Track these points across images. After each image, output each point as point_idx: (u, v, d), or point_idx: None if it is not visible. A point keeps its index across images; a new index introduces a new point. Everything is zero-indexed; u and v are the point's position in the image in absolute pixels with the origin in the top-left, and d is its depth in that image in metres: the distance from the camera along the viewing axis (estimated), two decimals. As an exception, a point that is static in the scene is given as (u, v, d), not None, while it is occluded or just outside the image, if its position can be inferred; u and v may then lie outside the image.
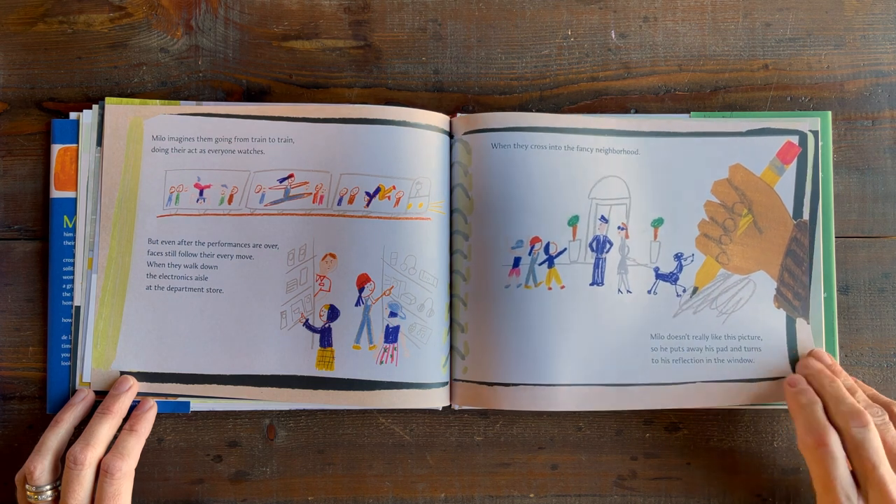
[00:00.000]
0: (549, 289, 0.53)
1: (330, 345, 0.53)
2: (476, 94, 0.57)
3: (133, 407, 0.53)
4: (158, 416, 0.54)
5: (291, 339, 0.53)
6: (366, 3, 0.57)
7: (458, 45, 0.57)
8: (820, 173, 0.55)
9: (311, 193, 0.54)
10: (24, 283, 0.55)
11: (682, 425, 0.56)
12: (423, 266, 0.53)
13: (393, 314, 0.53)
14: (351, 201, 0.53)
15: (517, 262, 0.53)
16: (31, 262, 0.55)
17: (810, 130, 0.55)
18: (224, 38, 0.57)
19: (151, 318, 0.54)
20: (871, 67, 0.58)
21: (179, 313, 0.54)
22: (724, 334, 0.54)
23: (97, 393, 0.53)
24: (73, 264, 0.54)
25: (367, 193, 0.53)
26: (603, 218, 0.54)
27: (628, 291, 0.54)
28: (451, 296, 0.55)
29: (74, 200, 0.54)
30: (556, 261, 0.53)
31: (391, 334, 0.53)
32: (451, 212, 0.55)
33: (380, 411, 0.56)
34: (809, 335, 0.54)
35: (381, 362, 0.53)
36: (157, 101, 0.55)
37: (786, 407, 0.55)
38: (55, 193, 0.54)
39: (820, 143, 0.55)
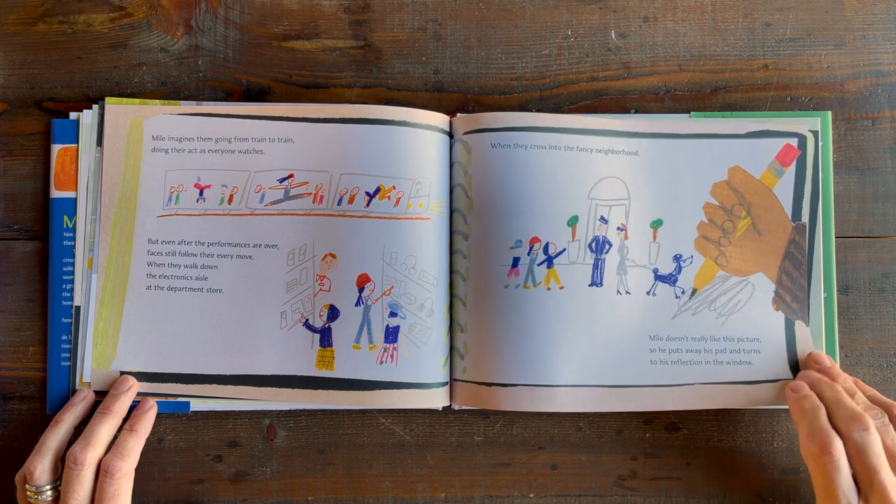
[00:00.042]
0: (548, 289, 0.53)
1: (330, 345, 0.53)
2: (476, 94, 0.57)
3: (133, 407, 0.53)
4: (158, 416, 0.54)
5: (291, 339, 0.53)
6: (366, 3, 0.57)
7: (458, 45, 0.57)
8: (820, 173, 0.55)
9: (311, 193, 0.54)
10: (24, 283, 0.55)
11: (682, 425, 0.56)
12: (423, 266, 0.53)
13: (393, 314, 0.53)
14: (351, 201, 0.53)
15: (516, 262, 0.53)
16: (31, 262, 0.55)
17: (810, 131, 0.55)
18: (224, 38, 0.57)
19: (151, 318, 0.54)
20: (871, 67, 0.57)
21: (179, 313, 0.54)
22: (722, 336, 0.54)
23: (97, 393, 0.53)
24: (73, 264, 0.54)
25: (367, 193, 0.53)
26: (602, 218, 0.54)
27: (627, 292, 0.54)
28: (451, 296, 0.55)
29: (74, 200, 0.54)
30: (555, 261, 0.53)
31: (391, 334, 0.53)
32: (451, 212, 0.55)
33: (380, 411, 0.56)
34: (808, 338, 0.54)
35: (381, 362, 0.53)
36: (157, 101, 0.55)
37: (786, 407, 0.55)
38: (55, 193, 0.54)
39: (820, 144, 0.55)
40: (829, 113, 0.56)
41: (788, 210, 0.55)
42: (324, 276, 0.53)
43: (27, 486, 0.49)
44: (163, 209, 0.54)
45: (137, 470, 0.51)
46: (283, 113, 0.54)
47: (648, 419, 0.56)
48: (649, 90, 0.57)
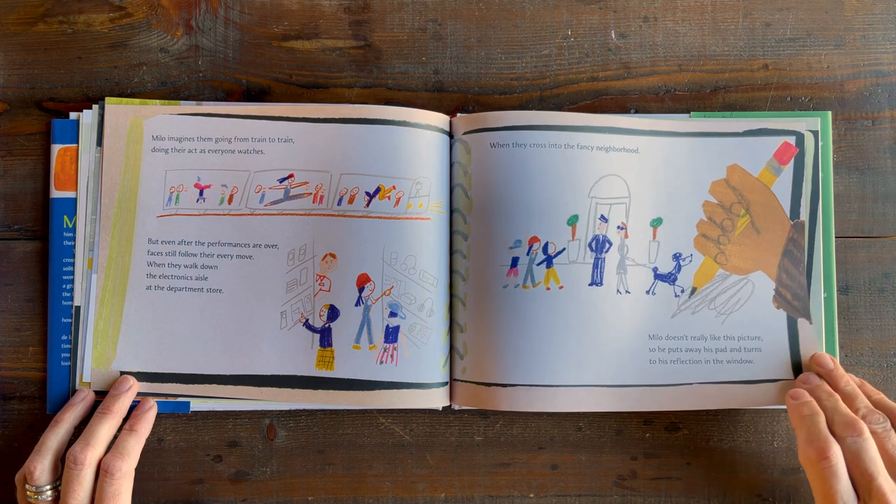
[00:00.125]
0: (548, 289, 0.53)
1: (330, 345, 0.53)
2: (476, 94, 0.57)
3: (133, 407, 0.53)
4: (158, 416, 0.54)
5: (291, 339, 0.53)
6: (366, 3, 0.57)
7: (458, 45, 0.57)
8: (820, 173, 0.55)
9: (311, 193, 0.54)
10: (24, 283, 0.55)
11: (682, 425, 0.56)
12: (423, 266, 0.53)
13: (393, 314, 0.53)
14: (351, 201, 0.53)
15: (515, 262, 0.53)
16: (31, 262, 0.55)
17: (810, 130, 0.55)
18: (224, 38, 0.57)
19: (151, 318, 0.54)
20: (871, 67, 0.57)
21: (179, 313, 0.54)
22: (723, 335, 0.54)
23: (97, 393, 0.53)
24: (73, 264, 0.54)
25: (367, 193, 0.53)
26: (603, 217, 0.54)
27: (627, 292, 0.54)
28: (451, 296, 0.55)
29: (74, 200, 0.54)
30: (554, 261, 0.53)
31: (391, 334, 0.53)
32: (451, 212, 0.55)
33: (380, 411, 0.56)
34: (812, 335, 0.54)
35: (381, 362, 0.53)
36: (157, 101, 0.55)
37: (786, 406, 0.55)
38: (55, 193, 0.55)
39: (820, 143, 0.55)
40: (829, 113, 0.56)
41: (787, 208, 0.55)
42: (324, 276, 0.53)
43: (27, 486, 0.49)
44: (163, 209, 0.54)
45: (137, 470, 0.51)
46: (283, 113, 0.54)
47: (648, 419, 0.56)
48: (649, 90, 0.57)
